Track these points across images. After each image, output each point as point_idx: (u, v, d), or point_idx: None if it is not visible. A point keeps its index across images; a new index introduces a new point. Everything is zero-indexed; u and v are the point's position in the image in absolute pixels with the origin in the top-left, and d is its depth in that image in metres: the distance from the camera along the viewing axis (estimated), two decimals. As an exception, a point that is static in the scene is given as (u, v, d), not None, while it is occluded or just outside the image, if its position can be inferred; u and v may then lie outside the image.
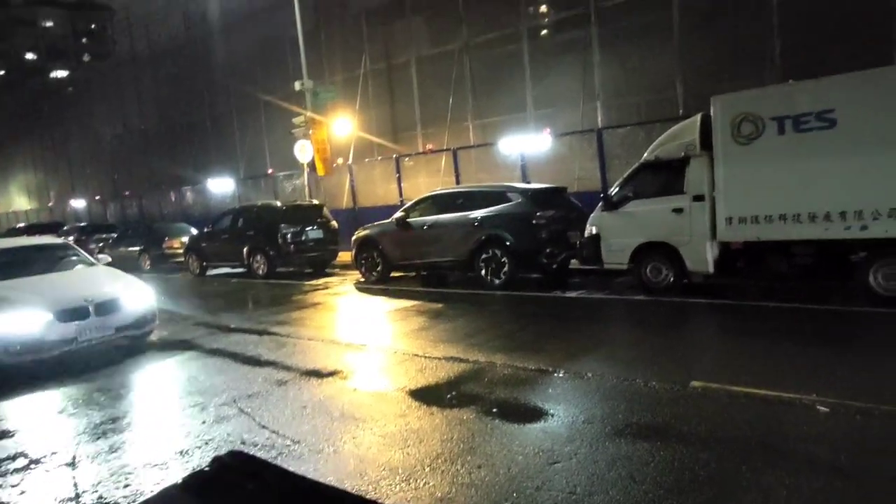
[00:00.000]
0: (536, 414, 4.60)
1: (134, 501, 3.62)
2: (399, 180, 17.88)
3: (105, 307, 7.02)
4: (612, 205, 8.84)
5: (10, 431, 5.06)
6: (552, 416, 4.55)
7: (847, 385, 4.69)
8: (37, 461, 4.37)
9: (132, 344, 7.65)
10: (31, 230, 24.69)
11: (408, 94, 19.73)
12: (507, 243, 9.99)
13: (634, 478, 3.52)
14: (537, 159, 14.97)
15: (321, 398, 5.32)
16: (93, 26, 76.80)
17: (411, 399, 5.11)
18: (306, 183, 17.89)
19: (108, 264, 8.84)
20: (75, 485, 3.93)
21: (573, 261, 10.37)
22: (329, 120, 17.78)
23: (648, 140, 9.80)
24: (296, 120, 17.47)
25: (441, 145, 18.11)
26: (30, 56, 77.65)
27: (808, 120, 7.13)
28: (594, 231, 9.05)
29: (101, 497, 3.73)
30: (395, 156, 18.37)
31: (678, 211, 8.18)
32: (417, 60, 19.39)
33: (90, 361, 7.00)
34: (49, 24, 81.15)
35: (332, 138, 17.90)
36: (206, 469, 1.26)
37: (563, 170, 14.21)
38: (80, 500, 3.72)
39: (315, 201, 15.97)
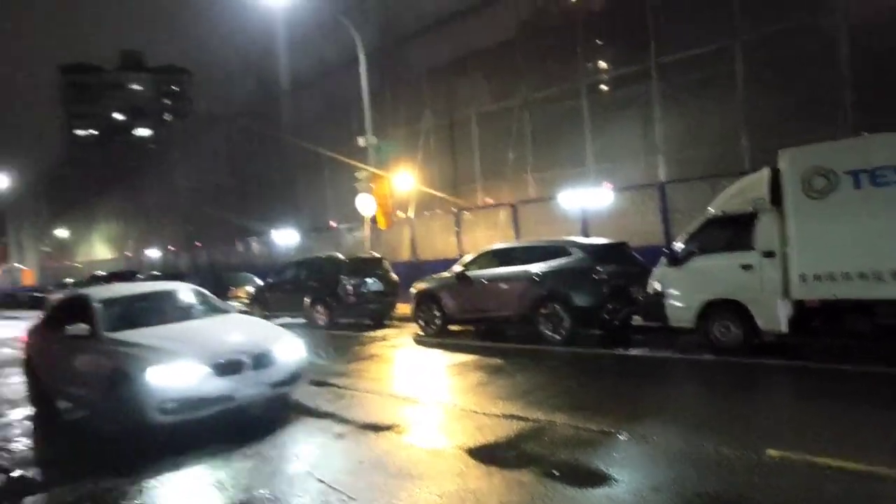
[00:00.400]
0: (599, 478, 4.41)
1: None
2: (458, 234, 18.02)
3: (261, 360, 6.31)
4: (676, 260, 8.60)
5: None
6: (616, 481, 4.34)
7: (944, 460, 4.30)
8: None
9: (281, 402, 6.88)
10: (112, 278, 26.04)
11: (468, 148, 20.09)
12: (568, 298, 9.83)
13: (708, 554, 3.29)
14: (598, 213, 14.84)
15: (378, 453, 5.27)
16: (174, 88, 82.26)
17: (469, 457, 4.99)
18: (367, 236, 18.26)
19: (243, 311, 8.33)
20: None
21: (635, 317, 10.08)
22: (391, 174, 18.24)
23: (713, 194, 9.57)
24: (358, 174, 17.99)
25: (500, 199, 18.24)
26: (118, 116, 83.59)
27: (885, 174, 6.83)
28: (658, 287, 8.80)
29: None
30: (454, 209, 18.58)
31: (747, 267, 7.88)
32: (478, 116, 19.80)
33: (240, 422, 6.30)
34: (136, 86, 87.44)
35: (393, 192, 18.31)
36: None
37: (624, 224, 14.02)
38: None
39: (375, 254, 16.23)
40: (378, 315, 14.38)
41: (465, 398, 7.04)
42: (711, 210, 8.43)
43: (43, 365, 7.79)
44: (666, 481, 4.28)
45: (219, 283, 18.92)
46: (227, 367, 6.04)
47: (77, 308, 7.25)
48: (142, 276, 25.16)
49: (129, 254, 39.11)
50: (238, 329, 7.22)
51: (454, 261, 13.48)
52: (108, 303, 7.15)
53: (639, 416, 5.80)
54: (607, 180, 15.36)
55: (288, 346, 6.77)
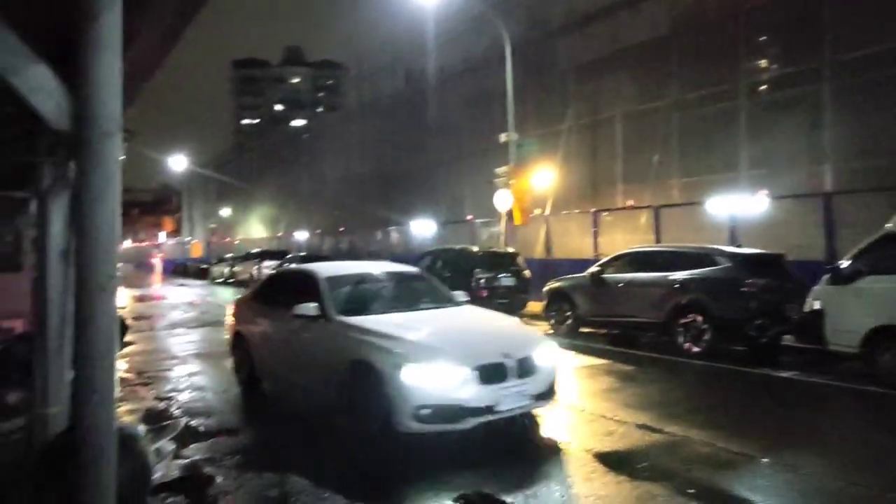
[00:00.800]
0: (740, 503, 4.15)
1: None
2: (595, 235, 17.59)
3: (524, 366, 5.34)
4: (841, 278, 7.81)
5: None
6: (759, 508, 4.07)
7: None
8: None
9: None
10: (264, 256, 28.34)
11: (611, 149, 19.53)
12: (711, 310, 9.28)
13: None
14: (749, 223, 13.82)
15: (507, 450, 5.31)
16: (329, 82, 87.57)
17: (598, 463, 4.89)
18: (503, 231, 18.35)
19: (467, 302, 7.18)
20: None
21: (786, 336, 9.31)
22: (530, 171, 18.19)
23: (888, 209, 8.57)
24: (498, 170, 18.11)
25: (642, 202, 17.56)
26: (279, 107, 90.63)
27: None
28: (817, 306, 8.05)
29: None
30: (593, 210, 18.17)
31: (929, 292, 7.00)
32: (623, 116, 19.17)
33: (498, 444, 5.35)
34: (296, 80, 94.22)
35: (531, 189, 18.25)
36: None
37: (778, 235, 12.93)
38: None
39: (510, 249, 16.30)
40: (509, 310, 14.40)
41: (594, 402, 6.89)
42: (890, 226, 7.56)
43: (257, 343, 7.14)
44: (817, 516, 3.95)
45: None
46: (491, 373, 5.10)
47: (298, 284, 6.68)
48: (290, 256, 27.09)
49: (280, 234, 42.30)
50: (488, 324, 6.36)
51: (589, 262, 13.20)
52: (333, 281, 6.41)
53: (787, 444, 5.36)
54: (762, 188, 14.25)
55: (546, 350, 5.72)
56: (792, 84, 15.55)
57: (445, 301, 6.86)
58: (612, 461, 4.90)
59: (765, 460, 4.88)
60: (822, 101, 14.27)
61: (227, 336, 8.49)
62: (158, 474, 2.26)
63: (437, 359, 5.08)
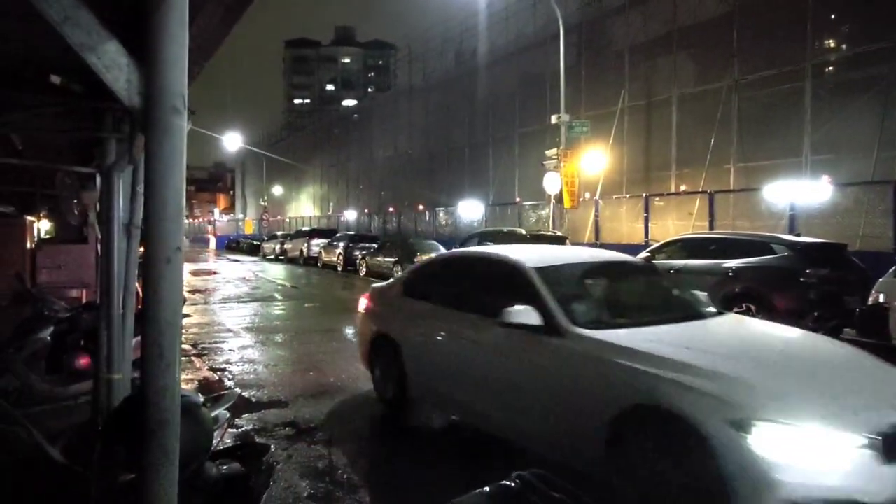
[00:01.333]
0: None
1: None
2: (646, 220, 17.25)
3: None
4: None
5: None
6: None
7: None
8: None
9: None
10: (314, 234, 28.87)
11: (665, 132, 19.05)
12: (766, 300, 9.00)
13: None
14: (810, 211, 13.32)
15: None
16: (380, 62, 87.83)
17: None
18: (551, 214, 18.18)
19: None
20: None
21: (847, 330, 8.96)
22: (580, 154, 17.92)
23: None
24: (548, 152, 17.91)
25: (696, 188, 17.09)
26: (329, 87, 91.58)
27: None
28: (882, 299, 7.72)
29: None
30: (644, 194, 17.79)
31: None
32: (679, 98, 18.64)
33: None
34: (347, 60, 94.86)
35: (581, 172, 17.99)
36: (511, 484, 1.34)
37: (842, 224, 12.44)
38: None
39: (558, 233, 16.14)
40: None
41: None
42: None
43: (419, 355, 5.13)
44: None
45: (406, 248, 20.14)
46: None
47: (490, 276, 4.92)
48: (339, 235, 27.52)
49: (329, 213, 42.99)
50: (827, 352, 3.95)
51: (639, 247, 12.95)
52: (548, 274, 4.34)
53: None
54: (826, 174, 13.67)
55: None
56: (863, 65, 14.81)
57: (693, 307, 4.61)
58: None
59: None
60: (895, 82, 13.54)
61: (355, 335, 8.16)
62: (215, 441, 2.37)
63: (804, 413, 2.93)
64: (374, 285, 6.51)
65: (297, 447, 4.72)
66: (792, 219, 13.56)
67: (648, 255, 11.11)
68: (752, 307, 9.16)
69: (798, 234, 11.56)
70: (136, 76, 1.52)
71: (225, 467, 2.07)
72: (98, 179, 4.26)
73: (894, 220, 11.92)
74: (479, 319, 4.53)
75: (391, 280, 6.58)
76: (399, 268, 19.54)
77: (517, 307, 3.99)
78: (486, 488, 1.35)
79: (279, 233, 37.11)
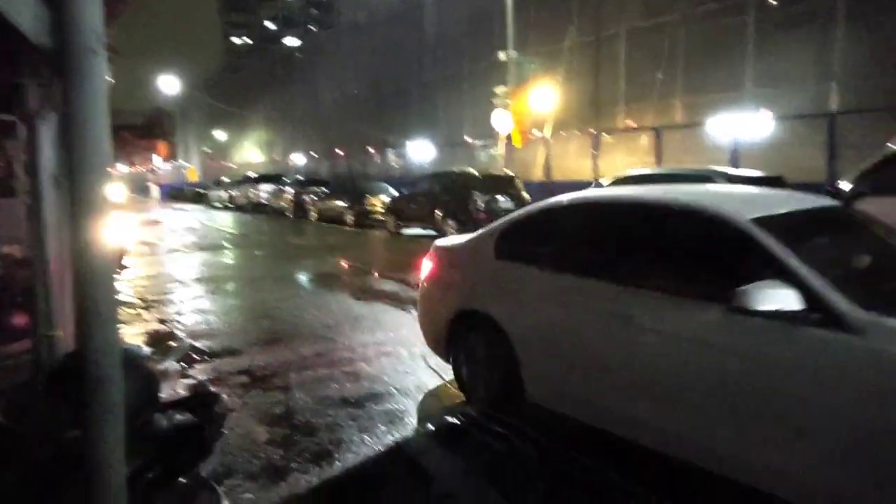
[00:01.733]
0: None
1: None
2: (595, 157, 17.43)
3: None
4: (841, 200, 7.80)
5: None
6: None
7: None
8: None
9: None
10: (260, 180, 28.16)
11: (614, 68, 19.03)
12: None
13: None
14: (751, 144, 13.67)
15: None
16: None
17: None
18: (502, 153, 18.15)
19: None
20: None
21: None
22: (529, 91, 17.78)
23: (896, 129, 8.45)
24: (497, 89, 17.72)
25: (644, 123, 17.28)
26: (270, 25, 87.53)
27: None
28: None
29: (308, 421, 4.18)
30: (593, 131, 17.89)
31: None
32: (627, 33, 18.56)
33: None
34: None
35: (530, 110, 17.90)
36: (457, 421, 1.36)
37: (781, 157, 12.82)
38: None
39: (508, 172, 16.18)
40: (506, 234, 14.47)
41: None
42: (893, 146, 7.48)
43: (541, 343, 3.79)
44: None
45: (355, 192, 19.90)
46: None
47: (671, 234, 3.38)
48: (287, 180, 26.90)
49: (276, 158, 41.83)
50: None
51: (588, 184, 13.12)
52: (785, 233, 2.90)
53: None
54: (767, 107, 13.98)
55: None
56: (803, -1, 14.99)
57: None
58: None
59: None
60: (836, 16, 13.78)
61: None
62: (167, 393, 2.33)
63: None
64: (441, 242, 4.97)
65: (253, 394, 4.72)
66: (734, 153, 13.91)
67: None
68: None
69: (738, 168, 11.87)
70: (45, 12, 1.40)
71: (178, 417, 2.06)
72: (21, 128, 4.00)
73: (829, 153, 12.38)
74: (665, 300, 3.14)
75: (470, 236, 4.68)
76: (351, 212, 19.33)
77: (762, 285, 2.61)
78: (431, 426, 1.37)
79: (225, 180, 36.04)
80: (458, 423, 1.34)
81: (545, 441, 1.18)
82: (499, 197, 14.13)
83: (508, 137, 17.70)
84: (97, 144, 1.40)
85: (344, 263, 11.67)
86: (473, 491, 1.28)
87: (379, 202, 18.48)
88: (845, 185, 7.87)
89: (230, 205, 29.94)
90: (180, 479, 1.88)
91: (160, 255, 13.47)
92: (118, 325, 1.33)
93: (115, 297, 1.44)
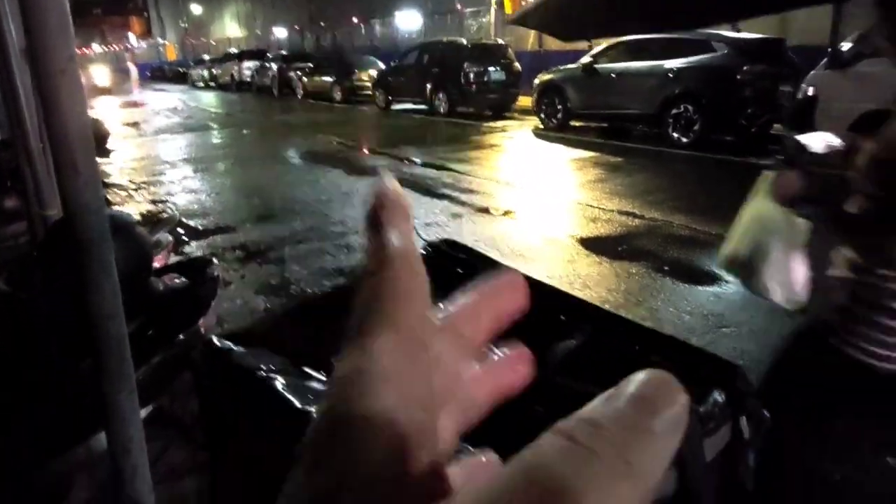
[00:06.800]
0: (711, 278, 4.45)
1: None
2: (590, 22, 16.63)
3: None
4: (840, 62, 7.58)
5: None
6: (729, 282, 4.38)
7: None
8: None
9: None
10: (243, 56, 26.97)
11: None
12: (704, 99, 9.13)
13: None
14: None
15: (492, 235, 5.57)
16: None
17: (581, 246, 5.17)
18: (493, 21, 17.32)
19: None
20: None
21: (776, 125, 9.29)
22: (522, -49, 16.64)
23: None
24: (488, -50, 16.58)
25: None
26: None
27: None
28: (811, 92, 7.92)
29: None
30: (588, -6, 16.95)
31: (928, 74, 6.81)
32: None
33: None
34: None
35: (523, -28, 16.85)
36: (421, 252, 1.43)
37: (783, 18, 12.27)
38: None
39: (500, 41, 15.52)
40: (499, 105, 14.18)
41: (581, 192, 7.08)
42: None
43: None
44: (779, 287, 4.27)
45: (342, 67, 19.15)
46: None
47: None
48: (271, 56, 25.78)
49: (258, 32, 39.81)
50: None
51: (582, 53, 12.65)
52: None
53: (762, 225, 5.64)
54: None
55: None
56: None
57: None
58: (594, 245, 5.17)
59: (738, 240, 5.15)
60: None
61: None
62: (160, 264, 2.41)
63: None
64: None
65: (250, 268, 4.86)
66: (735, 14, 13.28)
67: (591, 59, 10.91)
68: (690, 108, 9.32)
69: (738, 31, 11.42)
70: None
71: (172, 279, 2.14)
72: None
73: (834, 12, 11.82)
74: None
75: None
76: (338, 87, 18.75)
77: None
78: None
79: (206, 57, 34.50)
80: (423, 253, 1.42)
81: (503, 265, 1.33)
82: (490, 68, 13.66)
83: (500, 4, 16.78)
84: (58, 4, 1.35)
85: (333, 140, 11.51)
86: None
87: (367, 77, 17.86)
88: (846, 45, 7.62)
89: (213, 84, 28.90)
90: (180, 335, 1.99)
91: (146, 136, 13.20)
92: (101, 187, 1.35)
93: (94, 156, 1.45)
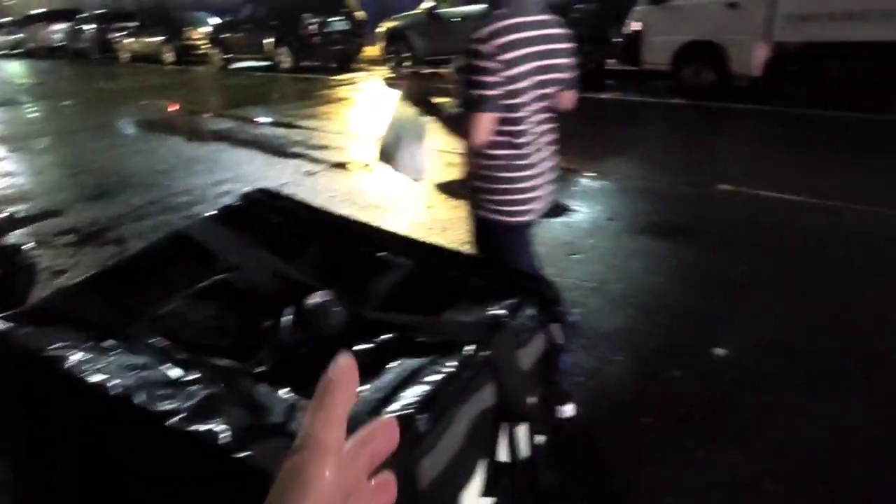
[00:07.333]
0: (557, 209, 4.69)
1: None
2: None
3: None
4: (660, -2, 8.12)
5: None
6: (574, 212, 4.64)
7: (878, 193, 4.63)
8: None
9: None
10: (51, 17, 23.88)
11: None
12: (543, 39, 9.42)
13: (650, 270, 3.67)
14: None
15: (349, 189, 5.47)
16: None
17: (439, 192, 5.22)
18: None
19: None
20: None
21: (609, 61, 9.83)
22: None
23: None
24: None
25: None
26: None
27: None
28: (637, 27, 8.44)
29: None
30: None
31: (733, 6, 7.50)
32: None
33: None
34: None
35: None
36: (237, 203, 1.34)
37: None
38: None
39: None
40: (344, 57, 13.75)
41: (437, 138, 7.10)
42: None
43: None
44: (622, 213, 4.60)
45: (171, 25, 17.57)
46: None
47: None
48: (85, 15, 23.05)
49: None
50: None
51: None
52: None
53: (602, 157, 6.00)
54: None
55: None
56: None
57: None
58: (452, 190, 5.24)
59: (582, 173, 5.46)
60: None
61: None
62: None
63: None
64: None
65: (86, 252, 4.42)
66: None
67: (434, 3, 10.84)
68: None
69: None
70: None
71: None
72: None
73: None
74: None
75: None
76: (169, 47, 17.24)
77: None
78: (215, 211, 1.36)
79: (5, 20, 30.15)
80: (239, 204, 1.36)
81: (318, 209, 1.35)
82: (331, 18, 13.16)
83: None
84: None
85: (169, 106, 10.61)
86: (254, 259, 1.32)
87: (200, 34, 16.54)
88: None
89: (17, 50, 25.44)
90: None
91: (-61, 116, 11.40)
92: None
93: None
